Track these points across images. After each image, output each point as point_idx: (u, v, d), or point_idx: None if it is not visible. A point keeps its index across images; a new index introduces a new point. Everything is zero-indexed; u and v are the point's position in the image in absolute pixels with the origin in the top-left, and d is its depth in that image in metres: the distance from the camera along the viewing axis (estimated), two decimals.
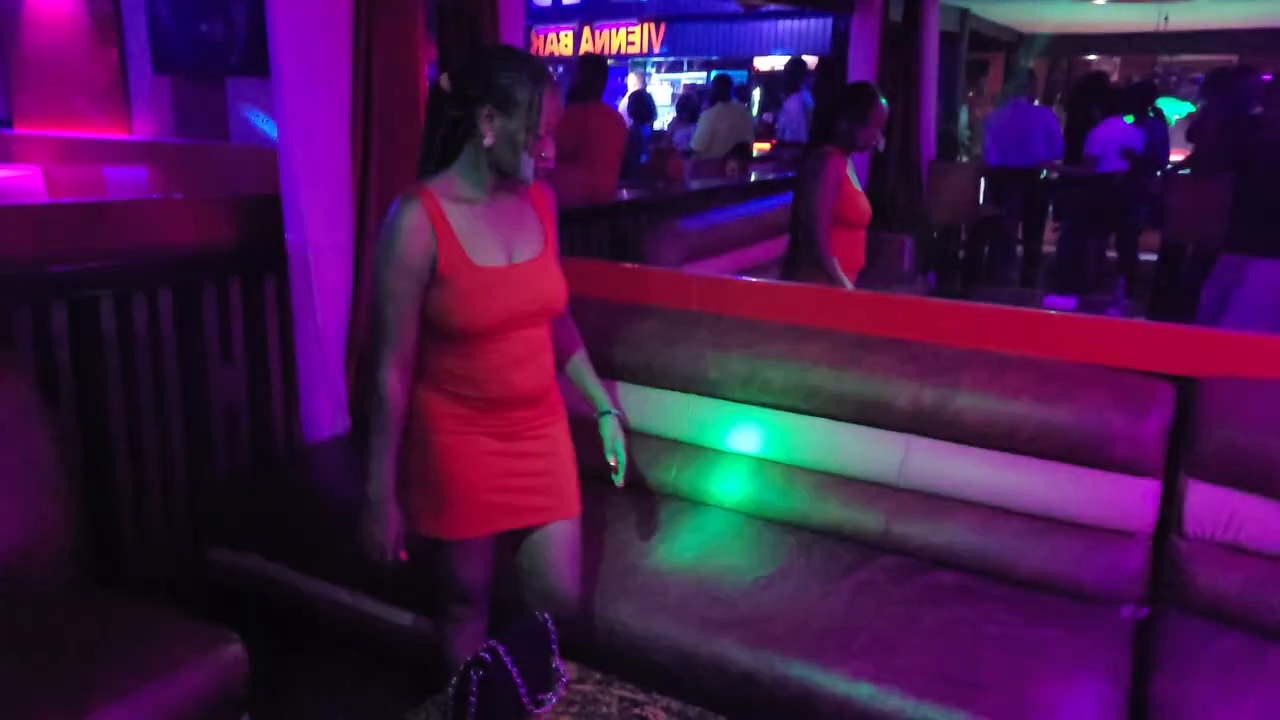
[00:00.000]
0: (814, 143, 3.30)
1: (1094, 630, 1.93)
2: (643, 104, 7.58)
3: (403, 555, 1.80)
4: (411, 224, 1.65)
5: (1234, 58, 10.34)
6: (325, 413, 2.89)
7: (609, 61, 10.99)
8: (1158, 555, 2.07)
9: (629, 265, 3.29)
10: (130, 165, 3.82)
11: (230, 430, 2.73)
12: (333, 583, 2.39)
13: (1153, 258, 6.31)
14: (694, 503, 2.44)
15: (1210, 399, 2.01)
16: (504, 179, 1.73)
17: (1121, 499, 2.09)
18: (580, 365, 2.02)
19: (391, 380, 1.71)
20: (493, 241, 1.73)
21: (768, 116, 9.54)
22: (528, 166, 1.68)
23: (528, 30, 9.04)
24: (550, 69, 1.76)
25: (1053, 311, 4.10)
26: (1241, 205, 4.26)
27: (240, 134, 3.62)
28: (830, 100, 5.95)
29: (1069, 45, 10.36)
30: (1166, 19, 8.13)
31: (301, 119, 2.68)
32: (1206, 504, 2.01)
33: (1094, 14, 8.27)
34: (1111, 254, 6.84)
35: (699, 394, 2.51)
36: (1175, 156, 6.82)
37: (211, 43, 3.58)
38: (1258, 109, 4.67)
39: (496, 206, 1.75)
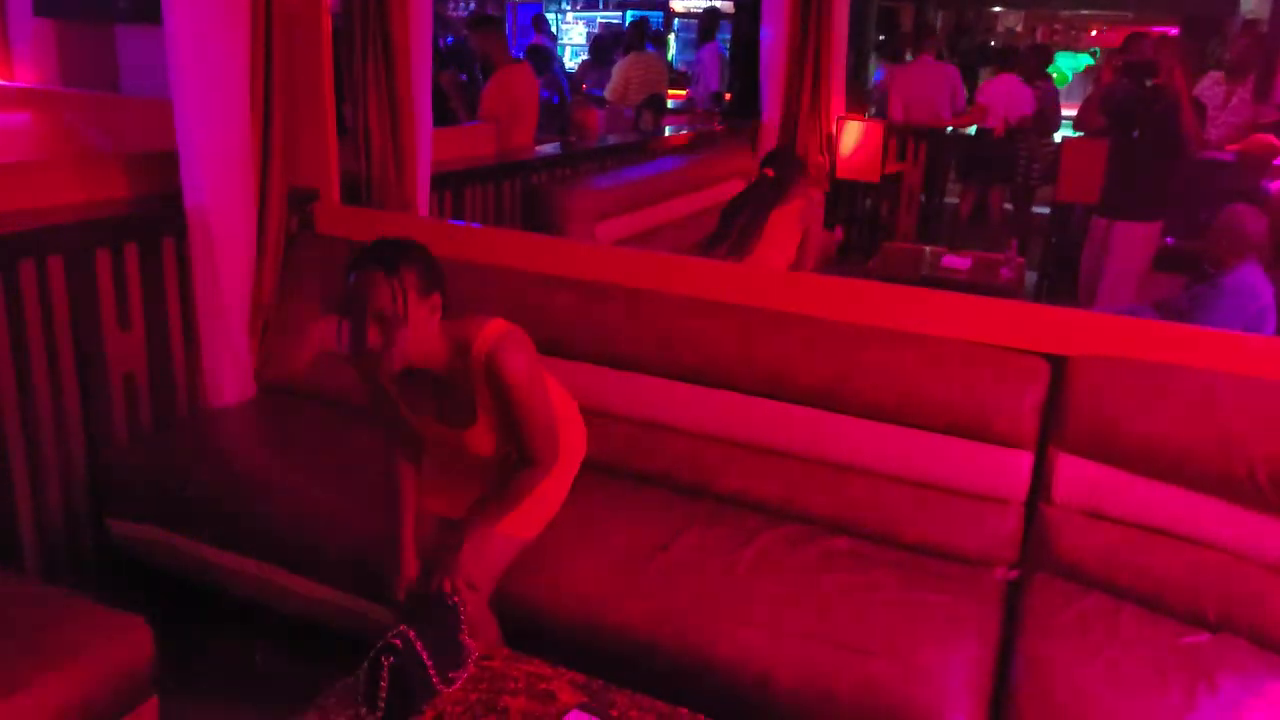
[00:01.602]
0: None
1: (970, 593, 2.08)
2: (538, 56, 7.49)
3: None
4: (366, 366, 1.89)
5: (1128, 14, 10.70)
6: (230, 378, 2.85)
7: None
8: (1029, 522, 2.23)
9: (543, 236, 3.31)
10: (11, 112, 3.60)
11: (130, 400, 2.66)
12: (239, 554, 2.38)
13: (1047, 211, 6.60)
14: (602, 473, 2.51)
15: (1079, 378, 2.16)
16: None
17: (998, 469, 2.24)
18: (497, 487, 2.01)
19: (394, 463, 2.05)
20: (425, 401, 1.95)
21: (682, 66, 9.49)
22: (356, 348, 1.75)
23: None
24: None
25: (948, 285, 4.28)
26: (1114, 169, 4.47)
27: (132, 85, 3.46)
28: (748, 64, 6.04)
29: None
30: None
31: (197, 69, 2.58)
32: (1073, 475, 2.17)
33: None
34: (1009, 207, 7.13)
35: (611, 366, 2.56)
36: (1068, 112, 7.11)
37: None
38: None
39: (423, 372, 1.89)
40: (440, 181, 3.59)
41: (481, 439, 1.94)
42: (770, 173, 3.84)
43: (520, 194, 4.20)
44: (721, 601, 1.99)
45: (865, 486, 2.33)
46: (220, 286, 2.76)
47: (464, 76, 6.77)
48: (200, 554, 2.44)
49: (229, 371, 2.84)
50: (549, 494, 2.11)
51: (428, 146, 3.40)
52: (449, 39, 7.76)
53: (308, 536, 2.28)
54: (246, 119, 2.70)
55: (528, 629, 1.95)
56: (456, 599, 1.74)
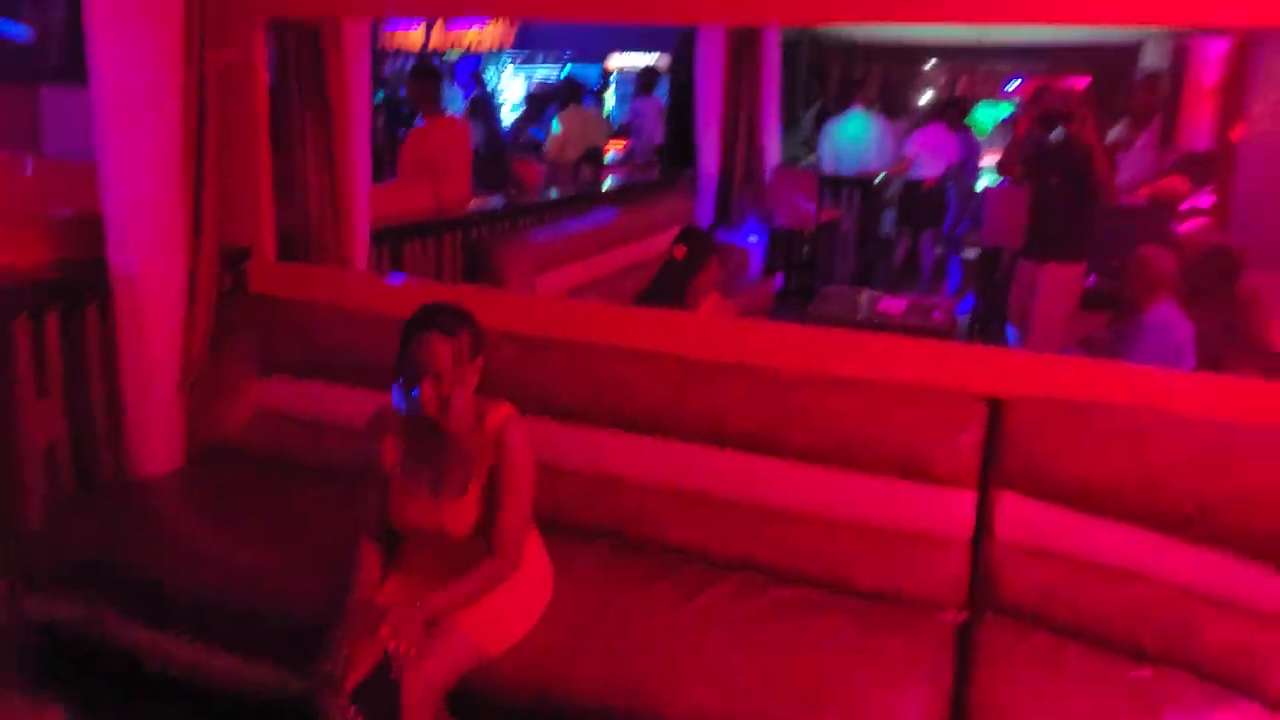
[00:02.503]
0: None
1: (921, 636, 2.08)
2: (483, 108, 7.56)
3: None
4: (374, 430, 2.03)
5: (1044, 66, 11.16)
6: (158, 444, 2.75)
7: (457, 56, 10.80)
8: (975, 562, 2.25)
9: (482, 289, 3.28)
10: None
11: (49, 471, 2.55)
12: (168, 631, 2.28)
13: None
14: (545, 527, 2.47)
15: (1015, 419, 2.20)
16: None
17: (941, 510, 2.26)
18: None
19: (361, 549, 2.02)
20: (425, 469, 2.00)
21: (622, 119, 9.63)
22: (411, 405, 1.89)
23: (375, 29, 8.79)
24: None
25: (884, 328, 4.34)
26: (1036, 214, 4.62)
27: (55, 147, 3.38)
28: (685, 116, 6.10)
29: (901, 55, 10.97)
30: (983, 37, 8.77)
31: (126, 130, 2.53)
32: (1014, 514, 2.20)
33: (922, 30, 8.78)
34: (939, 251, 7.35)
35: (551, 418, 2.54)
36: (988, 159, 7.38)
37: (20, 44, 3.31)
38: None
39: (439, 437, 1.98)
40: (379, 237, 3.56)
41: (464, 514, 1.99)
42: (679, 252, 3.39)
43: (461, 248, 4.19)
44: (673, 659, 1.96)
45: (811, 533, 2.33)
46: (148, 351, 2.69)
47: (402, 131, 6.78)
48: (126, 632, 2.32)
49: (157, 437, 2.75)
50: (516, 614, 2.04)
51: (365, 201, 3.38)
52: (379, 94, 7.78)
53: (242, 605, 2.20)
54: (178, 180, 2.65)
55: (475, 694, 1.89)
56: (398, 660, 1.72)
